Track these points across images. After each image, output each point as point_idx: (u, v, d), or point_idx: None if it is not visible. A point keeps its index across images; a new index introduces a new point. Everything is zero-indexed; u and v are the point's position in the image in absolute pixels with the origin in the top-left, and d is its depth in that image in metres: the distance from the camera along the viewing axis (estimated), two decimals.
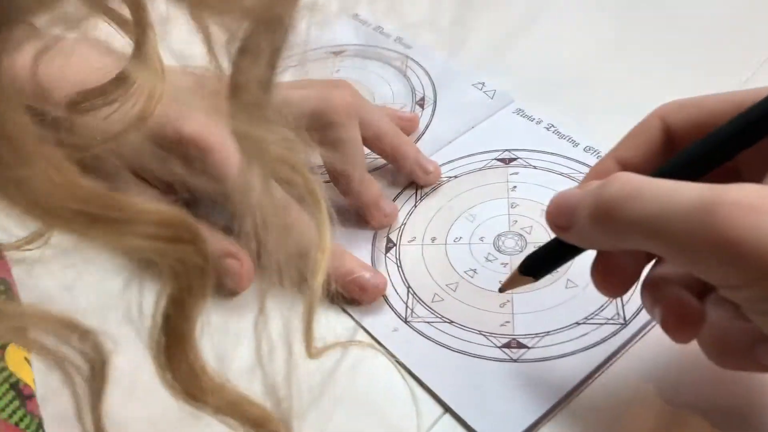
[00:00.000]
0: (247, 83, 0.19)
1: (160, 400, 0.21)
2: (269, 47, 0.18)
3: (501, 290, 0.34)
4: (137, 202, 0.18)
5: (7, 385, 0.29)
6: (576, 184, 0.41)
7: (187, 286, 0.20)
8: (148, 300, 0.20)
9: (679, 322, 0.28)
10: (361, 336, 0.36)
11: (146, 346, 0.21)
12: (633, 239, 0.26)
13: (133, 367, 0.21)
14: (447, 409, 0.33)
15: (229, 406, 0.21)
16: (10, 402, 0.29)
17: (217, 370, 0.21)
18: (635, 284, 0.30)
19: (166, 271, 0.20)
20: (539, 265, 0.32)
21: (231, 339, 0.22)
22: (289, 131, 0.21)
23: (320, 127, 0.37)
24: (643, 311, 0.35)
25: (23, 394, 0.30)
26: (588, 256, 0.30)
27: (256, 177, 0.20)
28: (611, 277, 0.30)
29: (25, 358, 0.31)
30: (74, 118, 0.26)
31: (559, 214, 0.28)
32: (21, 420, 0.29)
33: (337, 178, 0.39)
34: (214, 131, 0.36)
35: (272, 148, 0.20)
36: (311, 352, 0.25)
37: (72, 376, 0.20)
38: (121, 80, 0.29)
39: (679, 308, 0.28)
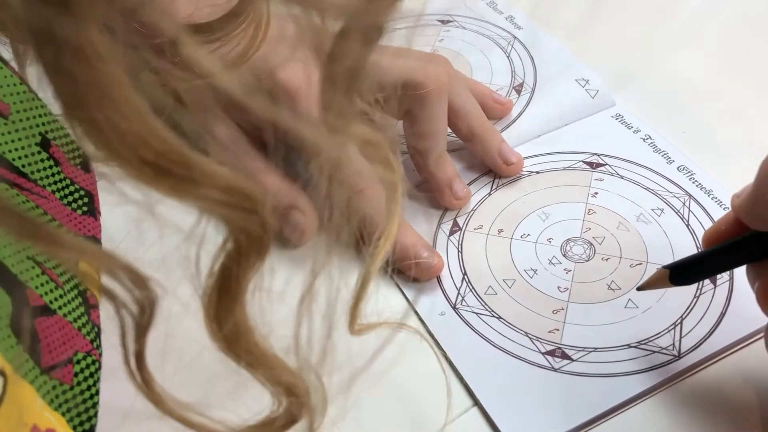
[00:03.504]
0: (343, 58, 0.19)
1: (199, 345, 0.22)
2: (365, 37, 0.19)
3: (639, 289, 0.33)
4: (207, 164, 0.18)
5: (76, 291, 0.30)
6: (661, 202, 0.39)
7: (246, 250, 0.20)
8: (206, 252, 0.21)
9: None
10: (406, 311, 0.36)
11: (199, 297, 0.21)
12: None
13: (180, 308, 0.22)
14: (476, 402, 0.33)
15: (264, 367, 0.22)
16: (77, 307, 0.30)
17: (262, 331, 0.22)
18: None
19: (227, 233, 0.20)
20: (688, 271, 0.32)
21: (282, 293, 0.23)
22: (379, 113, 0.21)
23: (408, 99, 0.37)
24: (701, 347, 0.34)
25: (89, 303, 0.30)
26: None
27: (332, 141, 0.20)
28: None
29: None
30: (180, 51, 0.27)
31: None
32: (83, 326, 0.30)
33: (414, 153, 0.39)
34: (305, 80, 0.36)
35: (356, 123, 0.20)
36: (354, 329, 0.26)
37: (120, 310, 0.21)
38: (229, 19, 0.30)
39: None
